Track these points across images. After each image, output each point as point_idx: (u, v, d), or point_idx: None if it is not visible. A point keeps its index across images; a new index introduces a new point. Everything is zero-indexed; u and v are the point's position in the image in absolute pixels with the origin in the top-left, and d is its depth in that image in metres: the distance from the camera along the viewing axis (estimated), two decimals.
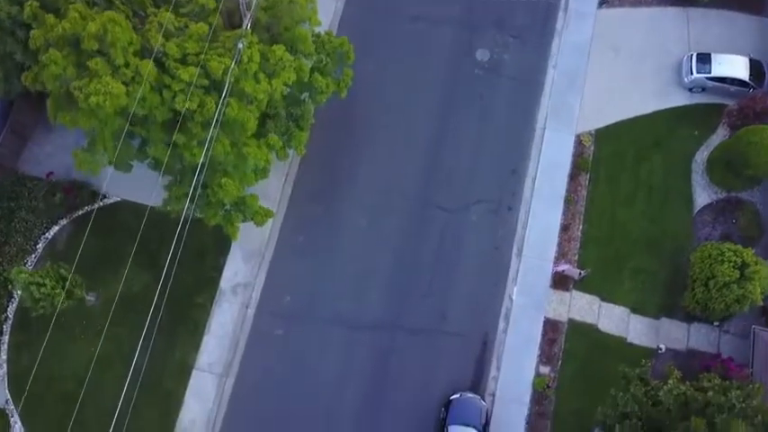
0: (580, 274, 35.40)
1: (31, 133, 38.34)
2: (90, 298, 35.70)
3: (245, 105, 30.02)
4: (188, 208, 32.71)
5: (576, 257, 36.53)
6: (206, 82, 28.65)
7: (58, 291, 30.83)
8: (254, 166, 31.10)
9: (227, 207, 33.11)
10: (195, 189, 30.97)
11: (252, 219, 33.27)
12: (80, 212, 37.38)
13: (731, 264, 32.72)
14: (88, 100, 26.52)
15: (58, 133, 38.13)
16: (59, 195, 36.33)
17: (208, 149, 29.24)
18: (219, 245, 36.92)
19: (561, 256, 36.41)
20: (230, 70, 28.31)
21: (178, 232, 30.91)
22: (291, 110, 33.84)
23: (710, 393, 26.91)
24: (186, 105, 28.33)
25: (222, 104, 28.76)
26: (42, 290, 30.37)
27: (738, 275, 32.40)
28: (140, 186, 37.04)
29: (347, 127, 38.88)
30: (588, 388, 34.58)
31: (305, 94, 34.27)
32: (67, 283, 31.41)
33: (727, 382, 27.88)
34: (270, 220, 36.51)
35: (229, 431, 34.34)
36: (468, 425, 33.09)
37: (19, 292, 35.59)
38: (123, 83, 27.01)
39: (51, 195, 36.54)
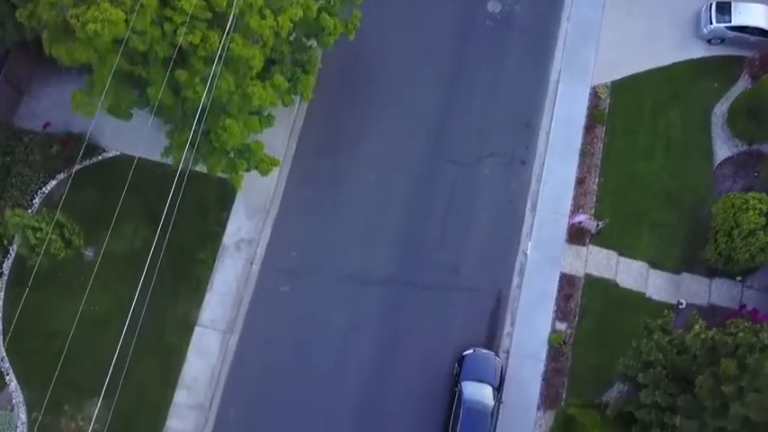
0: (597, 225, 34.09)
1: (28, 86, 37.07)
2: (88, 253, 34.43)
3: (250, 44, 28.73)
4: (190, 155, 31.49)
5: (593, 211, 35.20)
6: (209, 14, 27.37)
7: (54, 237, 29.54)
8: (258, 107, 29.79)
9: (232, 155, 31.88)
10: (197, 134, 29.73)
11: (257, 167, 31.99)
12: (78, 167, 36.02)
13: (756, 211, 31.43)
14: (86, 28, 25.23)
15: (54, 87, 36.92)
16: (56, 147, 35.05)
17: (211, 87, 27.94)
18: (222, 200, 35.65)
19: (577, 209, 35.10)
20: (235, 2, 27.04)
21: (176, 183, 29.67)
22: (297, 56, 32.59)
23: (741, 335, 25.58)
24: (189, 39, 27.04)
25: (226, 39, 27.48)
26: (38, 235, 29.06)
27: (765, 222, 31.10)
28: (141, 141, 35.75)
29: (354, 80, 37.60)
30: (606, 344, 33.27)
31: (311, 41, 33.04)
32: (65, 230, 30.15)
33: (758, 325, 26.56)
34: (275, 175, 35.47)
35: (233, 388, 32.99)
36: (482, 381, 31.76)
37: (15, 249, 34.37)
38: (123, 11, 25.72)
39: (48, 148, 35.24)
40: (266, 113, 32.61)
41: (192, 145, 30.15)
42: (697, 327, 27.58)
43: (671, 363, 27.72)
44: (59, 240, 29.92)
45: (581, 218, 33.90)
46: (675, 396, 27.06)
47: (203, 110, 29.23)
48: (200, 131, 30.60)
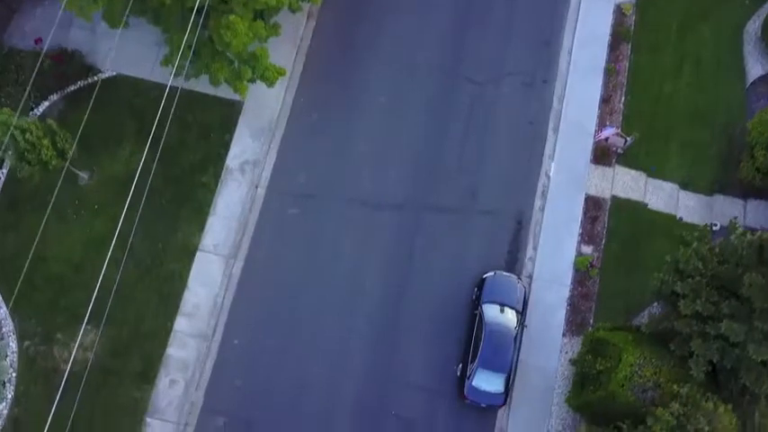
0: (625, 141, 31.99)
1: (19, 5, 34.98)
2: (83, 176, 32.33)
3: None
4: (188, 62, 29.46)
5: (619, 131, 33.07)
6: None
7: (45, 142, 27.42)
8: (264, 3, 27.71)
9: (236, 63, 29.83)
10: (196, 33, 27.75)
11: (262, 76, 29.91)
12: (72, 88, 33.94)
13: None
14: None
15: (47, 6, 34.81)
16: (48, 62, 32.87)
17: None
18: (225, 122, 33.53)
19: (602, 128, 32.94)
20: None
21: (177, 97, 28.03)
22: None
23: None
24: None
25: None
26: (27, 137, 26.92)
27: None
28: (138, 61, 33.94)
29: None
30: (635, 268, 31.23)
31: None
32: (57, 137, 28.08)
33: None
34: (281, 95, 33.59)
35: (237, 317, 30.87)
36: (503, 304, 29.63)
37: (4, 172, 32.32)
38: None
39: (40, 64, 33.05)
40: (272, 22, 30.61)
41: (190, 47, 28.02)
42: (739, 230, 25.62)
43: (712, 272, 25.66)
44: (51, 148, 27.79)
45: (608, 132, 31.75)
46: (718, 304, 24.99)
47: (205, 11, 27.30)
48: (200, 34, 28.66)
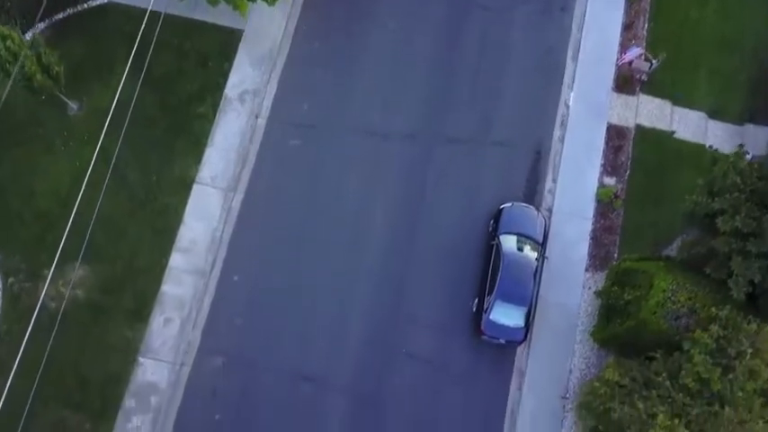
0: (651, 65, 30.00)
1: None
2: (72, 105, 30.33)
3: None
4: None
5: (644, 52, 31.05)
6: None
7: (29, 53, 25.41)
8: None
9: None
10: None
11: None
12: (61, 15, 31.95)
13: None
14: None
15: None
16: None
17: None
18: (224, 51, 31.49)
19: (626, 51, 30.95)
20: None
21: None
22: None
23: None
24: None
25: None
26: (9, 44, 24.87)
27: None
28: None
29: None
30: (663, 199, 29.31)
31: None
32: (42, 52, 26.10)
33: None
34: (283, 21, 31.63)
35: (237, 252, 28.83)
36: (522, 234, 27.63)
37: None
38: None
39: None
40: None
41: None
42: None
43: (751, 187, 23.71)
44: (35, 62, 25.80)
45: (633, 54, 29.74)
46: (759, 219, 23.01)
47: None
48: None
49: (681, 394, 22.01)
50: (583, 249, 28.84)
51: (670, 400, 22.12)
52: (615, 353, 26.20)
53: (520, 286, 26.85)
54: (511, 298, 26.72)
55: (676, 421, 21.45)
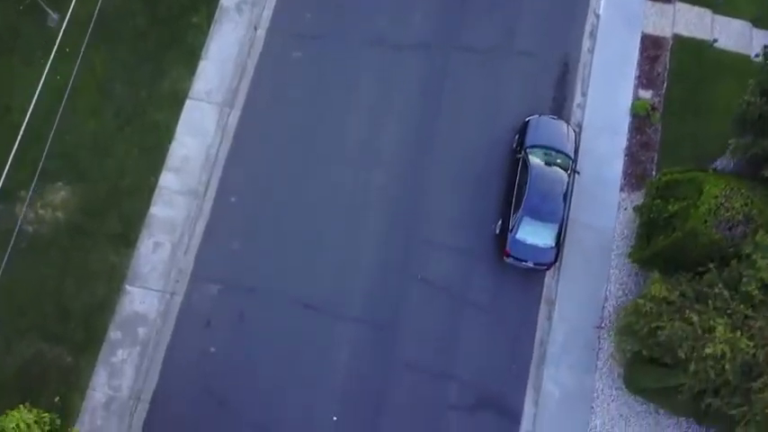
0: None
1: None
2: (53, 16, 27.56)
3: None
4: None
5: None
6: None
7: None
8: None
9: None
10: None
11: None
12: None
13: None
14: None
15: None
16: None
17: None
18: None
19: None
20: None
21: None
22: None
23: None
24: None
25: None
26: None
27: None
28: None
29: None
30: (703, 111, 26.69)
31: None
32: None
33: None
34: None
35: (234, 172, 26.04)
36: (550, 148, 24.83)
37: None
38: None
39: None
40: None
41: None
42: None
43: None
44: None
45: None
46: None
47: None
48: None
49: (742, 305, 19.22)
50: (617, 167, 26.07)
51: (729, 311, 19.35)
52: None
53: (549, 201, 24.04)
54: (539, 214, 23.92)
55: (738, 333, 18.67)
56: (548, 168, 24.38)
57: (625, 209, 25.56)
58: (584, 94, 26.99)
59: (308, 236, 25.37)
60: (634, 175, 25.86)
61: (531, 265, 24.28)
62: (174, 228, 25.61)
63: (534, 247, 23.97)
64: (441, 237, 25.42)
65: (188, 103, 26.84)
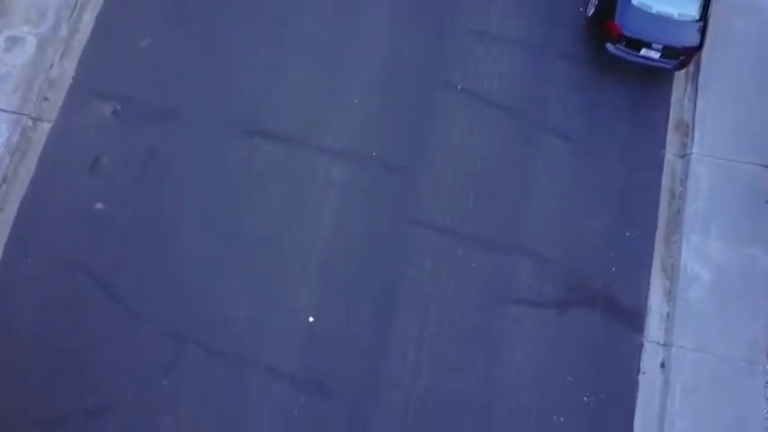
0: None
1: None
2: None
3: None
4: None
5: None
6: None
7: None
8: None
9: None
10: None
11: None
12: None
13: None
14: None
15: None
16: None
17: None
18: None
19: None
20: None
21: None
22: None
23: None
24: None
25: None
26: None
27: None
28: None
29: None
30: None
31: None
32: None
33: None
34: None
35: None
36: None
37: None
38: None
39: None
40: None
41: None
42: None
43: None
44: None
45: None
46: None
47: None
48: None
49: None
50: None
51: None
52: None
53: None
54: None
55: None
56: None
57: None
58: None
59: (270, 25, 14.99)
60: None
61: (654, 55, 13.82)
62: (44, 14, 15.15)
63: (665, 20, 13.54)
64: (496, 25, 15.03)
65: None
